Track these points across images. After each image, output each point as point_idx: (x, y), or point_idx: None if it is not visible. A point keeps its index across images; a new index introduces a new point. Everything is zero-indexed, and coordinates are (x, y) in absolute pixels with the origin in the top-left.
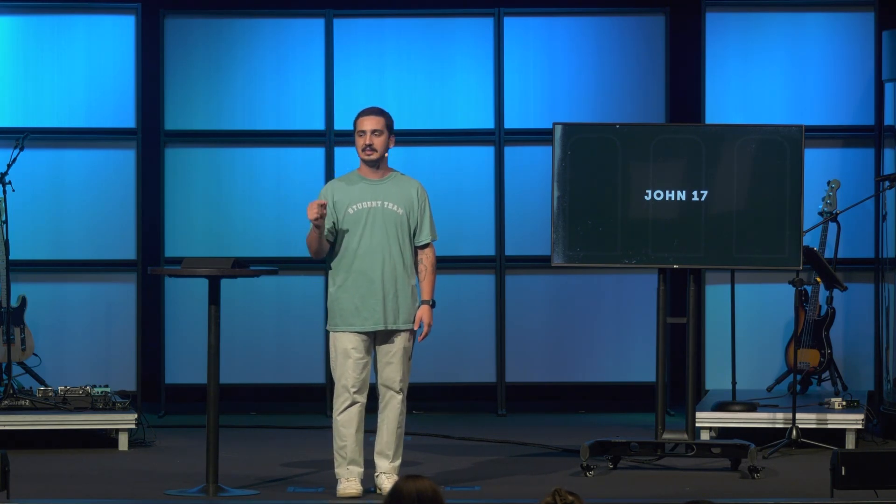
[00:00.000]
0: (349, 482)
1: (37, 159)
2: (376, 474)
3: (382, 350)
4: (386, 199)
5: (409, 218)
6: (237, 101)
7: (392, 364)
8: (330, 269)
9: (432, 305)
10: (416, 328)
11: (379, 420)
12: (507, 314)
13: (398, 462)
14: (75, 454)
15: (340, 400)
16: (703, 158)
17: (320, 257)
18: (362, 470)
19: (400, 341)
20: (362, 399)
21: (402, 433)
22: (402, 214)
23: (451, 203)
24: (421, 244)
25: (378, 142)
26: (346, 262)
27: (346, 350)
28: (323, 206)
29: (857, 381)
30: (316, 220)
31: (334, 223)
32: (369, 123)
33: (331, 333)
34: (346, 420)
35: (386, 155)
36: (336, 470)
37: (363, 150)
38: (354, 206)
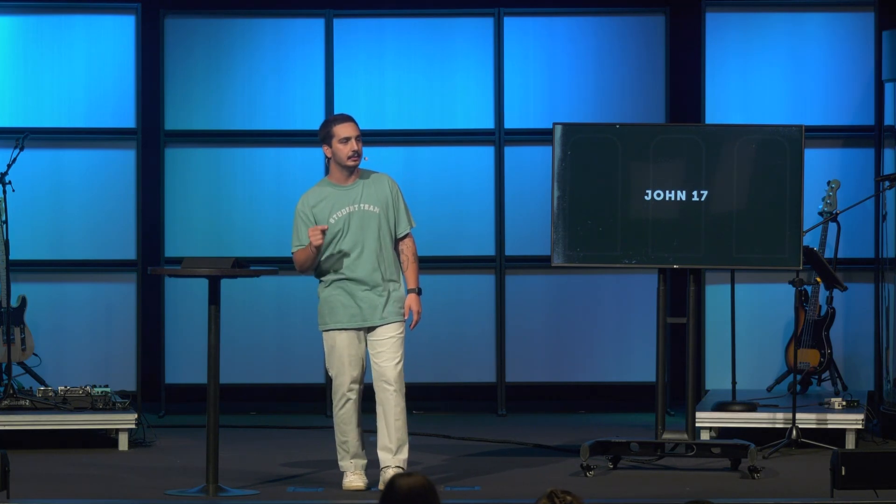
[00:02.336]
0: (354, 475)
1: (37, 159)
2: (381, 468)
3: (373, 344)
4: (361, 201)
5: (386, 214)
6: (237, 101)
7: (383, 354)
8: (318, 275)
9: (419, 293)
10: (406, 317)
11: (378, 415)
12: (507, 314)
13: (403, 456)
14: (75, 454)
15: (337, 397)
16: (703, 158)
17: (308, 273)
18: (366, 462)
19: (389, 331)
20: (358, 394)
21: (404, 425)
22: (380, 212)
23: (451, 203)
24: (401, 235)
25: (361, 147)
26: (332, 266)
27: (339, 348)
28: (325, 230)
29: (857, 381)
30: (319, 245)
31: None
32: (353, 130)
33: (323, 333)
34: (345, 416)
35: None
36: (340, 463)
37: (350, 157)
38: (336, 215)
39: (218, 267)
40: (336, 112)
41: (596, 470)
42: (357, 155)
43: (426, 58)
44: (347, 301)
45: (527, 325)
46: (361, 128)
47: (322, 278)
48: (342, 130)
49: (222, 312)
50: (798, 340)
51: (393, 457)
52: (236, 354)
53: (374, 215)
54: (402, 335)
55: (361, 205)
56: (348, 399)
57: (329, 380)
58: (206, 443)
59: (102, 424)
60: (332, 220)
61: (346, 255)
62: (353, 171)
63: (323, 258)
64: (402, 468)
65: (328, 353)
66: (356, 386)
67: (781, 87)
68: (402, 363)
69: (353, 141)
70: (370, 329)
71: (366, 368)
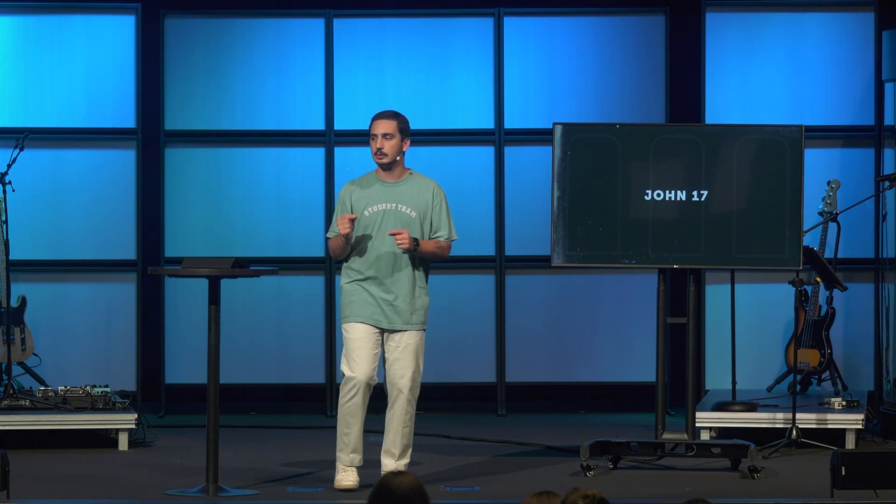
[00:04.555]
0: (345, 473)
1: (37, 159)
2: (383, 472)
3: (390, 348)
4: (400, 201)
5: (422, 220)
6: (237, 101)
7: (399, 361)
8: (344, 265)
9: (417, 245)
10: (403, 242)
11: (386, 419)
12: (507, 314)
13: (405, 461)
14: (75, 454)
15: (345, 389)
16: (703, 158)
17: (342, 258)
18: (361, 457)
19: (408, 339)
20: (367, 390)
21: (410, 433)
22: (416, 217)
23: (450, 203)
24: (439, 237)
25: (388, 146)
26: (360, 262)
27: (355, 340)
28: (353, 220)
29: (857, 381)
30: (347, 233)
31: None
32: (380, 127)
33: (342, 325)
34: (351, 409)
35: (399, 158)
36: (338, 454)
37: (374, 154)
38: (371, 209)
39: (218, 267)
40: (336, 112)
41: (596, 470)
42: (381, 153)
43: (426, 58)
44: (368, 298)
45: (527, 325)
46: (361, 128)
47: (347, 269)
48: (373, 127)
49: (222, 312)
50: (798, 340)
51: (395, 462)
52: (236, 354)
53: (410, 218)
54: (422, 344)
55: (399, 205)
56: (357, 392)
57: (330, 379)
58: (206, 443)
59: (102, 424)
60: (366, 213)
61: (374, 251)
62: (386, 168)
63: (353, 252)
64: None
65: (343, 344)
66: (367, 382)
67: (781, 87)
68: (418, 371)
69: (378, 139)
70: (388, 332)
71: (378, 368)
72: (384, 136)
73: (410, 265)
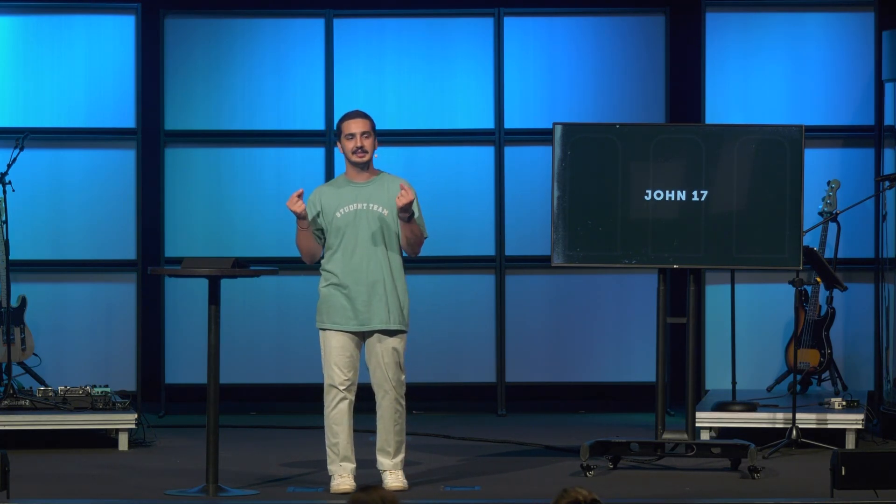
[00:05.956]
0: (342, 478)
1: (37, 159)
2: (381, 472)
3: (371, 350)
4: (371, 200)
5: (394, 219)
6: (237, 101)
7: (381, 364)
8: (321, 268)
9: (413, 215)
10: (400, 201)
11: (377, 418)
12: (507, 314)
13: (400, 458)
14: (75, 454)
15: (329, 397)
16: (703, 158)
17: (314, 261)
18: (354, 465)
19: (388, 342)
20: (351, 396)
21: (402, 430)
22: (388, 215)
23: (450, 203)
24: None
25: (368, 143)
26: (335, 263)
27: (333, 348)
28: (300, 194)
29: (857, 381)
30: (300, 212)
31: (323, 228)
32: (358, 126)
33: (319, 332)
34: (336, 417)
35: (371, 157)
36: (329, 467)
37: (354, 152)
38: (342, 210)
39: (218, 267)
40: (336, 112)
41: (596, 470)
42: (362, 151)
43: (426, 58)
44: (345, 303)
45: (527, 325)
46: None
47: (324, 273)
48: (347, 127)
49: (222, 312)
50: (798, 340)
51: (391, 460)
52: (236, 354)
53: (382, 217)
54: (402, 344)
55: (370, 204)
56: (342, 399)
57: None
58: (206, 443)
59: (102, 424)
60: (337, 215)
61: (348, 251)
62: (362, 167)
63: (326, 254)
64: (400, 471)
65: (322, 351)
66: (348, 387)
67: (781, 87)
68: (400, 371)
69: (357, 137)
70: (367, 334)
71: (360, 370)
72: (363, 134)
73: (386, 266)
